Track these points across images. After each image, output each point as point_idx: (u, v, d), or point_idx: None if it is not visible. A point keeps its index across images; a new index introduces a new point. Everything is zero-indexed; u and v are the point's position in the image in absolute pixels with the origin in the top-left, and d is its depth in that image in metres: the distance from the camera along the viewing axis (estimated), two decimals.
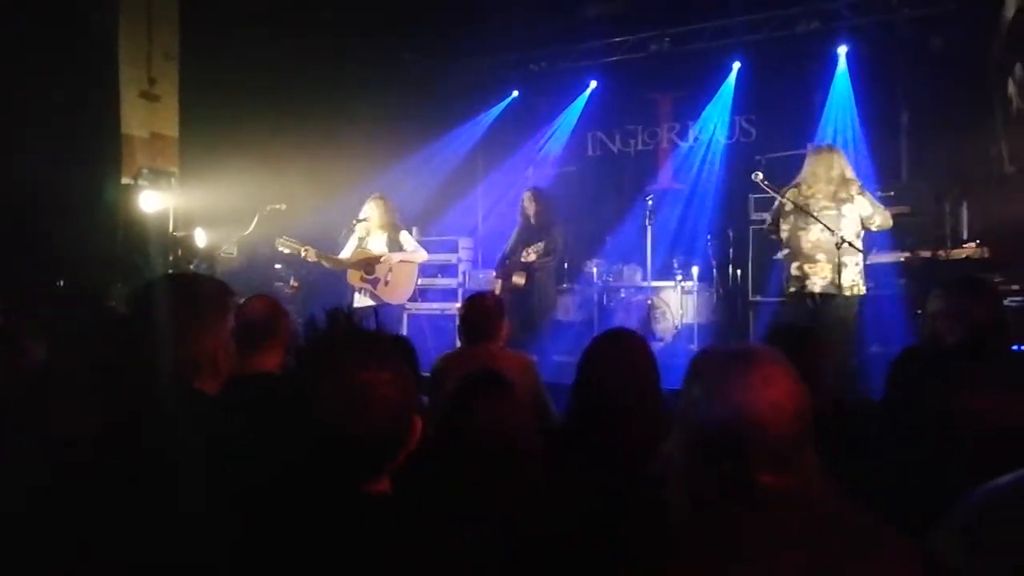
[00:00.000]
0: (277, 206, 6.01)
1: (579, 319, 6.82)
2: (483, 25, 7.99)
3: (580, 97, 8.47)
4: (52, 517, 1.46)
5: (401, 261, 5.55)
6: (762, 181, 4.69)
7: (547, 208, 5.90)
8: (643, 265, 6.69)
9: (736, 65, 7.69)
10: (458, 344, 3.61)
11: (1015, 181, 5.32)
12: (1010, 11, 5.25)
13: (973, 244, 5.00)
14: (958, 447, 2.15)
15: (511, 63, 8.66)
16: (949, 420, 2.20)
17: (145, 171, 5.98)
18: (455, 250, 7.73)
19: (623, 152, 8.56)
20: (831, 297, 4.47)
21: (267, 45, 6.68)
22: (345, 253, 5.62)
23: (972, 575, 1.17)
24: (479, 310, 3.32)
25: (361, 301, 5.54)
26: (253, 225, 6.00)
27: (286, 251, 5.51)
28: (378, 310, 5.35)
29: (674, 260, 6.86)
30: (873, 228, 4.55)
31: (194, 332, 1.69)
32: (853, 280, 4.46)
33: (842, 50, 7.16)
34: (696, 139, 8.06)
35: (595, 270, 6.92)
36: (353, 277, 5.53)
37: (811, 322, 4.39)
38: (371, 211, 5.56)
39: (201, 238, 5.93)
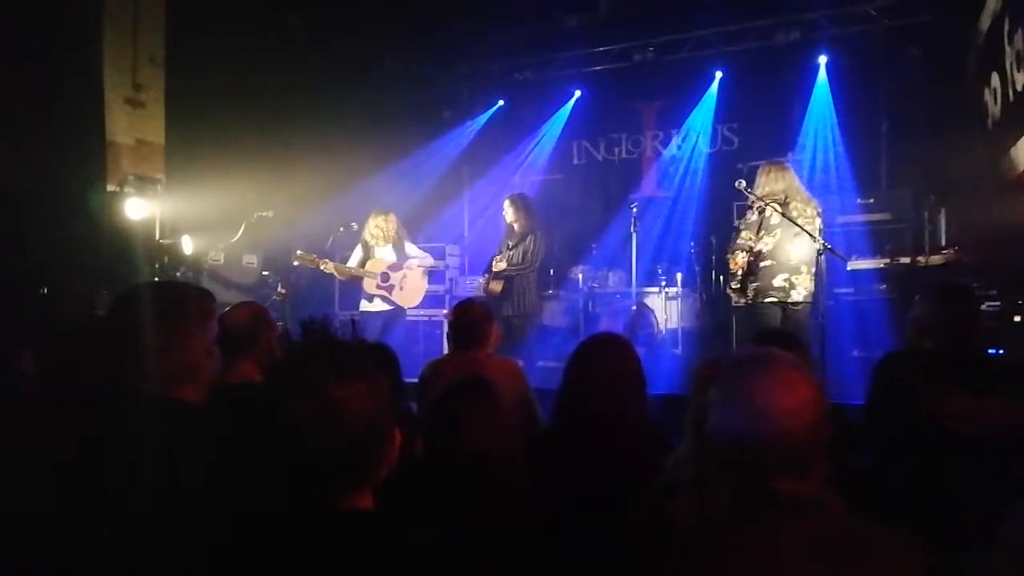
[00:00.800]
0: (264, 213, 6.03)
1: (564, 325, 6.84)
2: (469, 35, 8.04)
3: (565, 106, 8.53)
4: (27, 527, 1.44)
5: (418, 267, 6.01)
6: (745, 189, 4.77)
7: (527, 214, 5.93)
8: (628, 271, 6.73)
9: (718, 75, 7.77)
10: (446, 350, 3.63)
11: (992, 188, 5.41)
12: (985, 22, 5.36)
13: (951, 250, 5.10)
14: (940, 448, 2.21)
15: (497, 73, 8.75)
16: (932, 421, 2.25)
17: (131, 178, 5.92)
18: (442, 257, 7.74)
19: (608, 160, 8.63)
20: (803, 304, 4.64)
21: (254, 52, 6.67)
22: (352, 262, 5.97)
23: None
24: (468, 317, 3.34)
25: (371, 307, 5.87)
26: (240, 232, 5.99)
27: (300, 264, 5.80)
28: (357, 319, 5.39)
29: (658, 266, 6.91)
30: None
31: (176, 340, 1.67)
32: (811, 287, 4.66)
33: (822, 60, 7.26)
34: (679, 147, 8.13)
35: (580, 276, 6.95)
36: (369, 284, 5.91)
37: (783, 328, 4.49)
38: (379, 227, 5.92)
39: (187, 245, 5.89)
